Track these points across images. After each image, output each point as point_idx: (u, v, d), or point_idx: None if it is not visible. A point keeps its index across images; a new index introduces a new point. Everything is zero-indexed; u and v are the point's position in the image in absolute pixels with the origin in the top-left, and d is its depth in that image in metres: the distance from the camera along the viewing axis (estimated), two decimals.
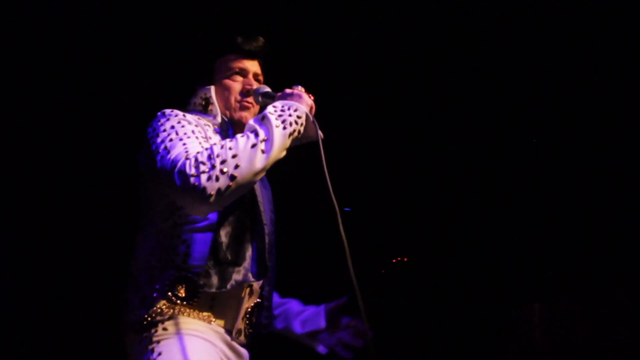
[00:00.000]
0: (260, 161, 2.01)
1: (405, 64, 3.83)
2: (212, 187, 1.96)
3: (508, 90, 3.84)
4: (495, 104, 3.89)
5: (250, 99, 2.39)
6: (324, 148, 2.14)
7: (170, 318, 2.09)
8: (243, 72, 2.42)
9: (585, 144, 3.72)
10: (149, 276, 2.13)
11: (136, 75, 3.54)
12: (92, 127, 3.57)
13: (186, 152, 2.04)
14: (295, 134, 2.13)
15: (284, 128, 2.08)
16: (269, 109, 2.14)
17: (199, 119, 2.28)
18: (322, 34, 3.72)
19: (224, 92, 2.39)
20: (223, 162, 1.98)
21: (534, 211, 3.77)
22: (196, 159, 1.99)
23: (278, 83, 2.42)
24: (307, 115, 2.17)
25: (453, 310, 3.73)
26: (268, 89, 2.37)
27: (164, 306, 2.09)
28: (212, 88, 2.40)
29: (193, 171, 1.97)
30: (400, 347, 3.64)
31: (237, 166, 1.98)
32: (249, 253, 2.21)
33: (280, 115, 2.11)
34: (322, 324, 2.45)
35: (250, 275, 2.19)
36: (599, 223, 3.60)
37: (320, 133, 2.18)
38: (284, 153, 2.11)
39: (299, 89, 2.26)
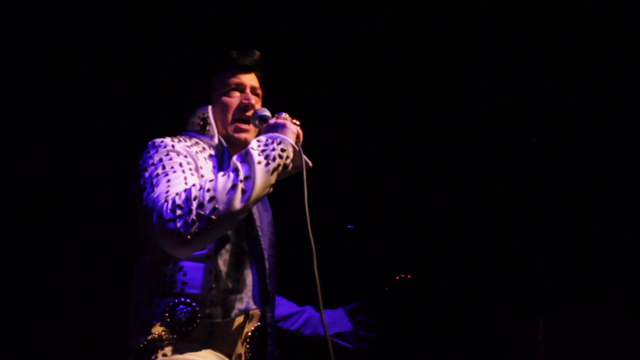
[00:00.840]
0: (239, 202, 1.95)
1: (403, 75, 3.80)
2: (187, 232, 1.91)
3: (507, 92, 3.81)
4: (493, 108, 3.86)
5: (247, 125, 2.34)
6: (313, 175, 2.09)
7: (170, 344, 2.07)
8: (240, 88, 2.37)
9: (581, 155, 3.70)
10: (148, 303, 2.12)
11: (136, 93, 3.50)
12: (89, 146, 3.53)
13: (166, 192, 2.00)
14: (280, 168, 2.07)
15: (267, 164, 2.02)
16: (253, 143, 2.09)
17: (193, 144, 2.25)
18: (315, 42, 3.68)
19: (222, 110, 2.35)
20: (200, 205, 1.93)
21: (535, 225, 3.75)
22: (173, 202, 1.95)
23: (275, 88, 2.38)
24: (292, 146, 2.12)
25: (458, 326, 3.72)
26: (266, 113, 2.31)
27: (164, 332, 2.07)
28: (210, 108, 2.35)
29: (169, 215, 1.93)
30: None
31: (214, 209, 1.93)
32: (249, 279, 2.20)
33: (263, 150, 2.05)
34: (350, 326, 2.69)
35: (252, 302, 2.17)
36: (600, 236, 3.57)
37: (308, 162, 2.14)
38: (270, 189, 2.06)
39: (283, 117, 2.19)
